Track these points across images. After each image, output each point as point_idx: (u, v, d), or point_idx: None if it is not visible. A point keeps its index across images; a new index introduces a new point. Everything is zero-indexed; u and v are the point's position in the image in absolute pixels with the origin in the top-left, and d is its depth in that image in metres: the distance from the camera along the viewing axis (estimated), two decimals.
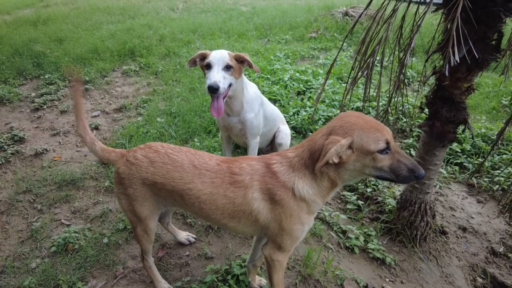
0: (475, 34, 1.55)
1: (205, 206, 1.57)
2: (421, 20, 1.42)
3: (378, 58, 1.75)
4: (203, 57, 2.24)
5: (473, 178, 2.93)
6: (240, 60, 2.24)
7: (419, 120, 3.66)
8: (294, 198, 1.47)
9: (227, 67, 2.14)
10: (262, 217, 1.53)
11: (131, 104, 4.17)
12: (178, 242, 2.32)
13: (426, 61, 1.91)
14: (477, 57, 1.46)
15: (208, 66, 2.15)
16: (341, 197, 2.73)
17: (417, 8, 1.79)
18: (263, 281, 2.03)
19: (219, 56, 2.14)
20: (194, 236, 2.34)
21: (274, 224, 1.52)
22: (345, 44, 6.18)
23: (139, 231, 1.78)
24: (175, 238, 2.31)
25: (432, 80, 2.03)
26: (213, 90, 2.05)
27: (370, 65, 1.63)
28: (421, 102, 2.06)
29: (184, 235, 2.31)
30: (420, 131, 3.40)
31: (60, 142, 3.49)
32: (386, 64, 2.20)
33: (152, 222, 1.77)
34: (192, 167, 1.59)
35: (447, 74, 1.32)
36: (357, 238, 2.33)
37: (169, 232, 2.30)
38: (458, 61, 1.25)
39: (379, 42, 1.55)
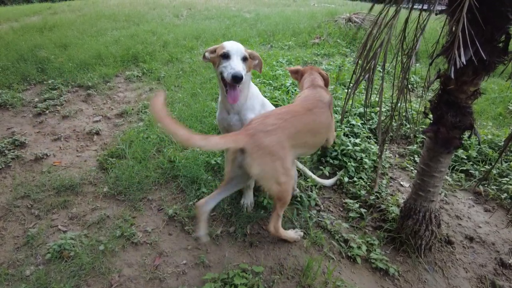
0: (482, 35, 1.50)
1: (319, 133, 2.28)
2: (425, 21, 1.37)
3: (380, 63, 1.70)
4: (214, 50, 2.24)
5: (480, 186, 2.84)
6: (251, 57, 2.26)
7: (423, 126, 3.59)
8: None
9: (244, 59, 2.15)
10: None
11: (132, 109, 4.15)
12: (175, 250, 2.26)
13: (430, 64, 1.85)
14: (485, 59, 1.40)
15: (226, 56, 2.12)
16: (343, 204, 2.66)
17: (420, 13, 1.75)
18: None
19: (237, 47, 2.15)
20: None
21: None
22: (348, 50, 6.15)
23: (289, 187, 2.00)
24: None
25: (436, 85, 1.97)
26: (238, 79, 2.02)
27: (372, 68, 1.57)
28: (425, 107, 2.01)
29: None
30: (424, 137, 3.34)
31: (60, 147, 3.47)
32: (389, 69, 2.16)
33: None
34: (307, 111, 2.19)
35: (452, 77, 1.26)
36: (359, 248, 2.25)
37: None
38: (465, 63, 1.20)
39: (381, 44, 1.50)
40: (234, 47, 2.14)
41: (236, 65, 2.06)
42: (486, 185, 2.87)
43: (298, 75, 2.81)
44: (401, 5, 1.54)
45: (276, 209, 2.06)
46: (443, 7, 1.71)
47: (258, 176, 1.91)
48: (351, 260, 2.21)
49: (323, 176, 2.93)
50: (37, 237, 2.38)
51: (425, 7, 1.85)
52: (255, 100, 2.39)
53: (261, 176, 1.91)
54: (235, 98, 2.16)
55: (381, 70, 1.73)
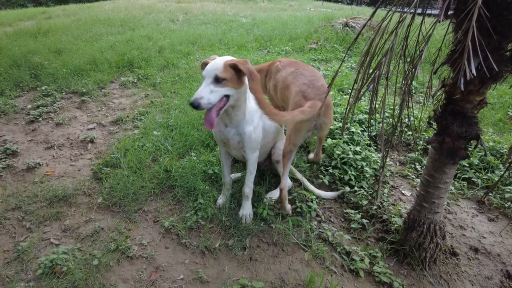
0: (489, 44, 1.45)
1: None
2: (432, 30, 1.32)
3: (383, 71, 1.65)
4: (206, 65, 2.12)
5: (483, 194, 2.80)
6: (237, 69, 2.05)
7: (423, 134, 3.55)
8: None
9: (217, 80, 1.98)
10: None
11: (127, 116, 4.07)
12: (172, 264, 2.18)
13: (434, 73, 1.81)
14: (495, 68, 1.35)
15: (203, 78, 2.04)
16: (344, 215, 2.60)
17: (423, 19, 1.70)
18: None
19: (211, 68, 2.00)
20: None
21: None
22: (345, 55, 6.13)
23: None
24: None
25: (438, 92, 1.92)
26: (193, 107, 1.94)
27: (376, 78, 1.52)
28: (429, 117, 1.96)
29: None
30: (426, 145, 3.29)
31: (54, 156, 3.38)
32: (391, 76, 2.11)
33: None
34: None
35: (462, 88, 1.21)
36: (362, 260, 2.18)
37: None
38: (475, 73, 1.15)
39: (386, 54, 1.45)
40: (209, 69, 1.99)
41: (198, 91, 1.95)
42: (493, 196, 2.81)
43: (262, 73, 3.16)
44: (407, 12, 1.49)
45: (321, 142, 2.85)
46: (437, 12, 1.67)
47: (327, 127, 2.50)
48: (354, 273, 2.14)
49: (323, 185, 2.86)
50: (28, 251, 2.29)
51: (424, 11, 1.81)
52: (254, 114, 2.30)
53: (328, 126, 2.51)
54: (212, 123, 2.02)
55: (385, 79, 1.68)
